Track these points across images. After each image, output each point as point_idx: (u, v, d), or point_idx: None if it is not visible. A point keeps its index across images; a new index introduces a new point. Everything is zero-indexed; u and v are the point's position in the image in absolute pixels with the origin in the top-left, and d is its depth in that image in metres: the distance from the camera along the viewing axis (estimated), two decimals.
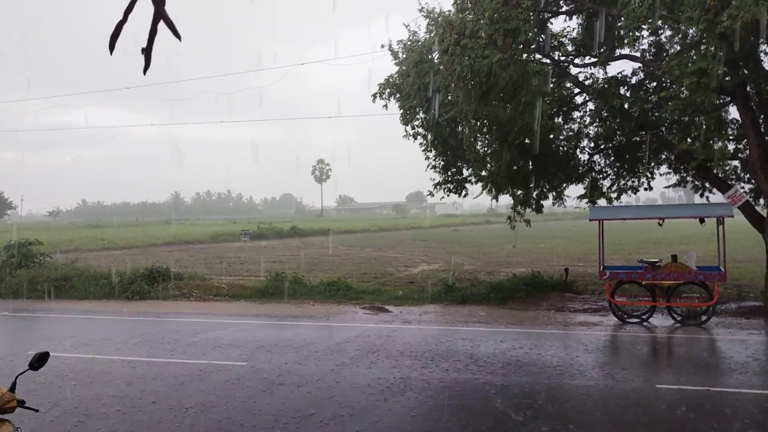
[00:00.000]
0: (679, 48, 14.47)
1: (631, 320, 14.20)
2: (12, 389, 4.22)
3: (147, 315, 16.68)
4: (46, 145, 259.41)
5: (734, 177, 16.95)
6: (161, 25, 1.98)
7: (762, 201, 15.69)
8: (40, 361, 4.37)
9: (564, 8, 16.18)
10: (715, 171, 15.81)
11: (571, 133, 17.58)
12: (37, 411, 4.63)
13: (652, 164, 18.19)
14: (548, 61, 16.28)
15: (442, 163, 19.43)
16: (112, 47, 2.00)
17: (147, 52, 2.00)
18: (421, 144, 19.05)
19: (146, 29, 2.05)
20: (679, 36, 14.21)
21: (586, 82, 16.66)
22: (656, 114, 15.92)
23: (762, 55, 14.06)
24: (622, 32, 14.67)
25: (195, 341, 12.65)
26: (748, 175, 16.69)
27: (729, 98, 14.99)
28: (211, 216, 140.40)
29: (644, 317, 14.16)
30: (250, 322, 15.15)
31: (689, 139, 15.26)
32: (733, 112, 16.03)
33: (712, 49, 12.50)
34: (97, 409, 8.26)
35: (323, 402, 8.37)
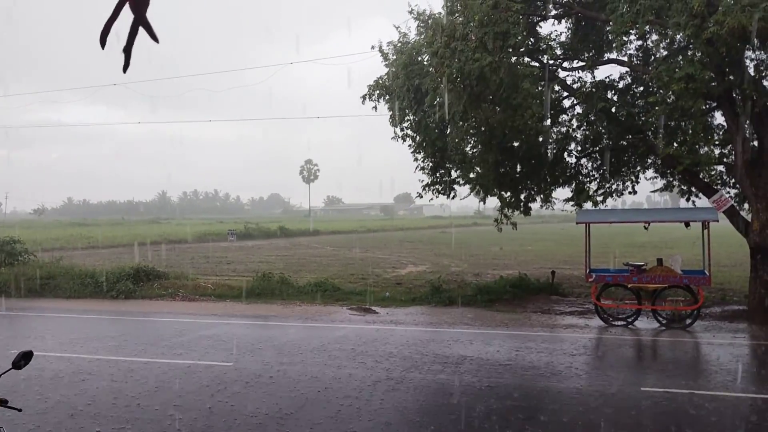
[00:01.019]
0: (666, 53, 14.57)
1: (616, 323, 14.28)
2: None
3: (132, 314, 16.58)
4: (31, 142, 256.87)
5: (719, 182, 17.07)
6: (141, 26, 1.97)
7: (746, 206, 15.81)
8: (23, 360, 4.32)
9: (553, 12, 16.25)
10: (700, 176, 15.93)
11: (559, 136, 17.66)
12: (20, 410, 4.58)
13: (638, 168, 18.31)
14: (537, 64, 16.34)
15: (430, 164, 19.41)
16: (103, 43, 1.99)
17: (127, 51, 1.99)
18: (410, 146, 19.05)
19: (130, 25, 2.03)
20: (667, 41, 14.31)
21: (574, 86, 16.73)
22: (643, 118, 16.02)
23: (748, 61, 14.18)
24: (610, 36, 14.76)
25: (180, 341, 12.58)
26: (733, 180, 16.83)
27: (715, 104, 15.11)
28: (197, 215, 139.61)
29: (630, 320, 14.25)
30: (236, 322, 15.09)
31: (675, 144, 15.35)
32: (719, 118, 16.18)
33: (699, 54, 12.60)
34: (80, 408, 8.20)
35: (309, 402, 8.36)
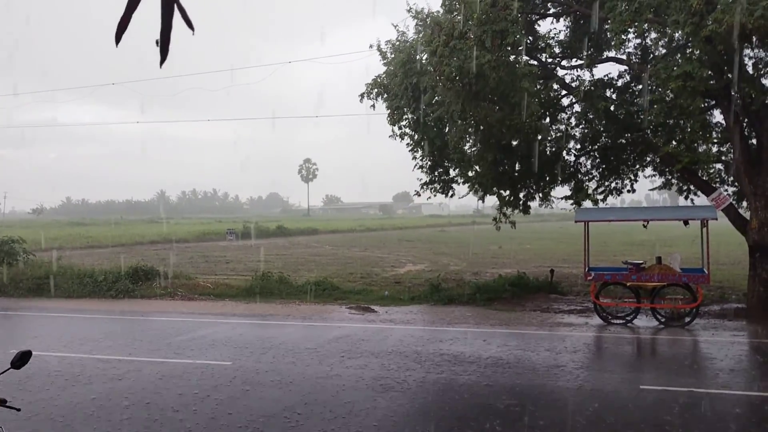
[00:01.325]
0: (664, 51, 14.57)
1: (615, 321, 14.27)
2: None
3: (131, 314, 16.56)
4: (29, 142, 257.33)
5: (718, 180, 17.09)
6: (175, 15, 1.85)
7: (745, 204, 15.82)
8: (22, 359, 4.31)
9: (551, 10, 16.25)
10: (699, 174, 15.94)
11: (559, 134, 17.66)
12: (18, 410, 4.57)
13: (637, 166, 18.32)
14: (535, 62, 16.34)
15: (429, 163, 19.43)
16: (118, 39, 1.89)
17: (163, 42, 1.86)
18: (407, 144, 19.05)
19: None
20: (665, 39, 14.32)
21: (573, 84, 16.74)
22: (641, 116, 16.03)
23: (746, 59, 14.19)
24: (608, 35, 14.76)
25: (179, 340, 12.57)
26: (731, 178, 16.84)
27: (713, 102, 15.12)
28: (196, 215, 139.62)
29: (629, 318, 14.24)
30: (235, 322, 15.08)
31: (674, 142, 15.36)
32: (718, 116, 16.19)
33: (698, 52, 12.60)
34: (79, 408, 8.19)
35: (308, 402, 8.35)
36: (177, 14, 1.85)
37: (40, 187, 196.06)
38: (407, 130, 18.85)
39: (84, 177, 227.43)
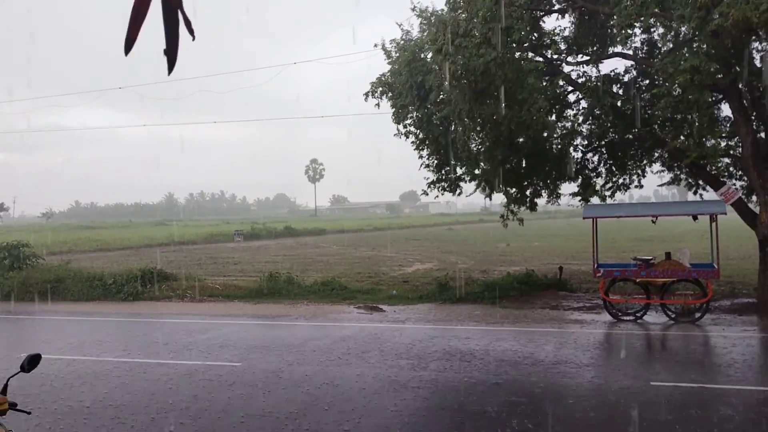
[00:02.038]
0: (671, 46, 14.49)
1: (625, 318, 14.22)
2: (3, 392, 4.17)
3: (141, 316, 16.62)
4: (37, 147, 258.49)
5: (727, 174, 16.98)
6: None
7: (754, 198, 15.72)
8: (31, 363, 4.32)
9: (556, 6, 16.17)
10: (708, 168, 15.85)
11: (565, 131, 17.59)
12: (29, 413, 4.58)
13: (645, 162, 18.22)
14: (541, 59, 16.28)
15: (435, 161, 19.37)
16: (128, 49, 1.85)
17: (171, 51, 1.83)
18: (412, 143, 19.01)
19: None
20: (672, 34, 14.24)
21: (579, 81, 16.66)
22: (649, 112, 15.94)
23: (754, 52, 14.10)
24: (614, 30, 14.68)
25: (189, 342, 12.60)
26: (740, 172, 16.73)
27: (721, 96, 15.02)
28: (204, 216, 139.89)
29: (638, 315, 14.19)
30: (244, 323, 15.11)
31: (682, 137, 15.26)
32: (726, 110, 16.08)
33: (704, 46, 12.53)
34: (90, 411, 8.22)
35: (317, 402, 8.35)
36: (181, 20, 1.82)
37: (49, 191, 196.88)
38: (412, 129, 18.81)
39: (93, 180, 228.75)
